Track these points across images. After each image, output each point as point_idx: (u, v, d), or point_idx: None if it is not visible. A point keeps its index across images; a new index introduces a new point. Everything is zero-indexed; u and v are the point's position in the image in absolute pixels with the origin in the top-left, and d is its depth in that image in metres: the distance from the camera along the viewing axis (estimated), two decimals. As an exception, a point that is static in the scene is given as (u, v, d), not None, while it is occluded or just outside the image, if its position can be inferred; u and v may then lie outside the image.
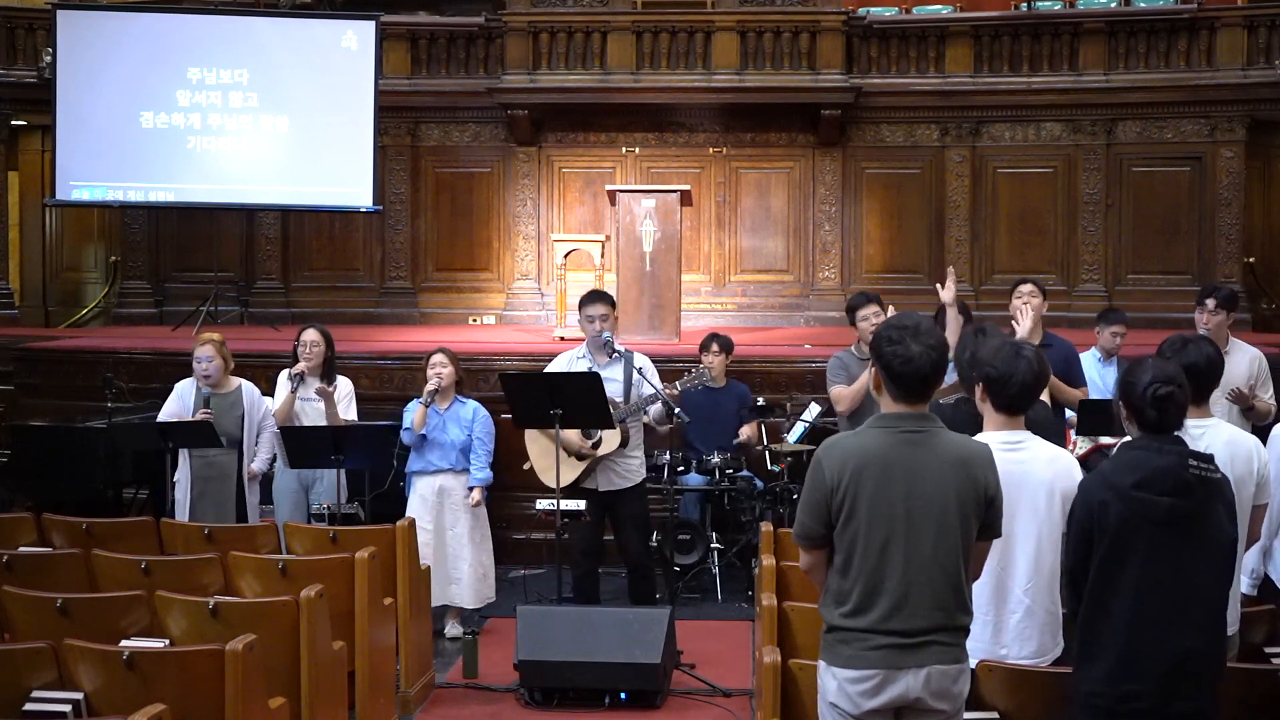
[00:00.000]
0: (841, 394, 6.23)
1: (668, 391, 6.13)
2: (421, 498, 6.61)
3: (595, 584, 6.42)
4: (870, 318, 6.19)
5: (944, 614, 3.14)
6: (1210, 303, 6.46)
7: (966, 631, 3.23)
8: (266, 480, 6.85)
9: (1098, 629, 3.16)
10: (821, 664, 3.25)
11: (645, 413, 6.21)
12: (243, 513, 6.54)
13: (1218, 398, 6.11)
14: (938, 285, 6.11)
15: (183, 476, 6.52)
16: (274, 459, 6.72)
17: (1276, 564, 4.64)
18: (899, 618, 3.12)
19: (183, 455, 6.51)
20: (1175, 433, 3.21)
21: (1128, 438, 3.33)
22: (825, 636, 3.25)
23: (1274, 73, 11.24)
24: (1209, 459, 3.16)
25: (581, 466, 6.15)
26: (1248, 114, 11.43)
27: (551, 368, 6.44)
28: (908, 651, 3.12)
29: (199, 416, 6.46)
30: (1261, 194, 12.03)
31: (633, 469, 6.32)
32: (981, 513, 3.19)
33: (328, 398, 6.53)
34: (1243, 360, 6.42)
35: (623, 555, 6.48)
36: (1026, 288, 6.21)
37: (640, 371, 6.22)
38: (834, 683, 3.19)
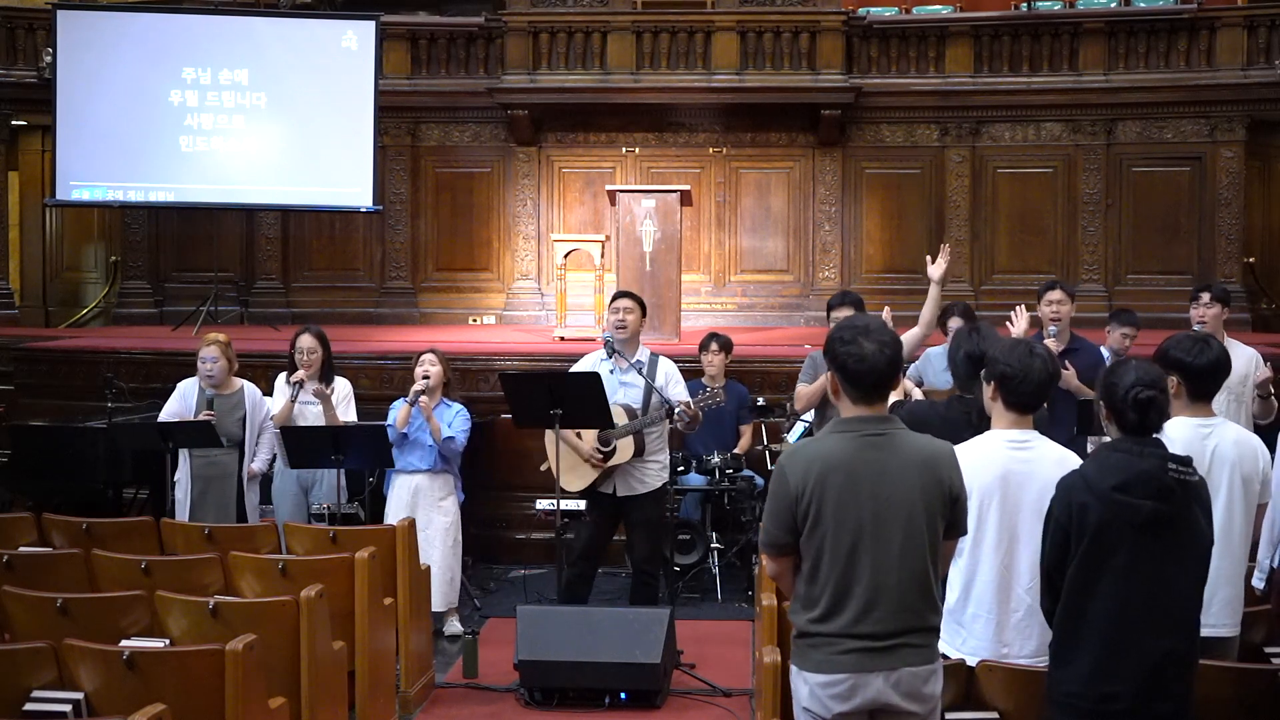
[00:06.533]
0: (799, 393, 6.22)
1: (685, 409, 6.00)
2: (398, 497, 6.59)
3: (587, 588, 6.26)
4: (839, 319, 6.10)
5: (913, 615, 3.14)
6: (1205, 296, 6.49)
7: (937, 631, 3.24)
8: (266, 481, 6.85)
9: (1076, 630, 3.15)
10: (793, 669, 3.25)
11: (670, 421, 6.07)
12: (242, 513, 6.55)
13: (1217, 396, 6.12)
14: (927, 257, 6.09)
15: (183, 476, 6.52)
16: (274, 459, 6.72)
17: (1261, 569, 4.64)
18: (869, 621, 3.11)
19: (183, 455, 6.52)
20: (1155, 435, 3.20)
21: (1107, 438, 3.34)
22: (796, 641, 3.24)
23: (1274, 73, 11.24)
24: (1187, 461, 3.16)
25: (597, 472, 6.08)
26: (1248, 114, 11.44)
27: (577, 368, 6.31)
28: (878, 654, 3.11)
29: (202, 417, 6.47)
30: (1261, 194, 12.04)
31: (651, 474, 6.15)
32: (947, 512, 3.19)
33: (325, 399, 6.52)
34: (1241, 358, 6.44)
35: (629, 558, 6.44)
36: (1055, 294, 6.19)
37: (655, 382, 6.08)
38: (806, 687, 3.19)
